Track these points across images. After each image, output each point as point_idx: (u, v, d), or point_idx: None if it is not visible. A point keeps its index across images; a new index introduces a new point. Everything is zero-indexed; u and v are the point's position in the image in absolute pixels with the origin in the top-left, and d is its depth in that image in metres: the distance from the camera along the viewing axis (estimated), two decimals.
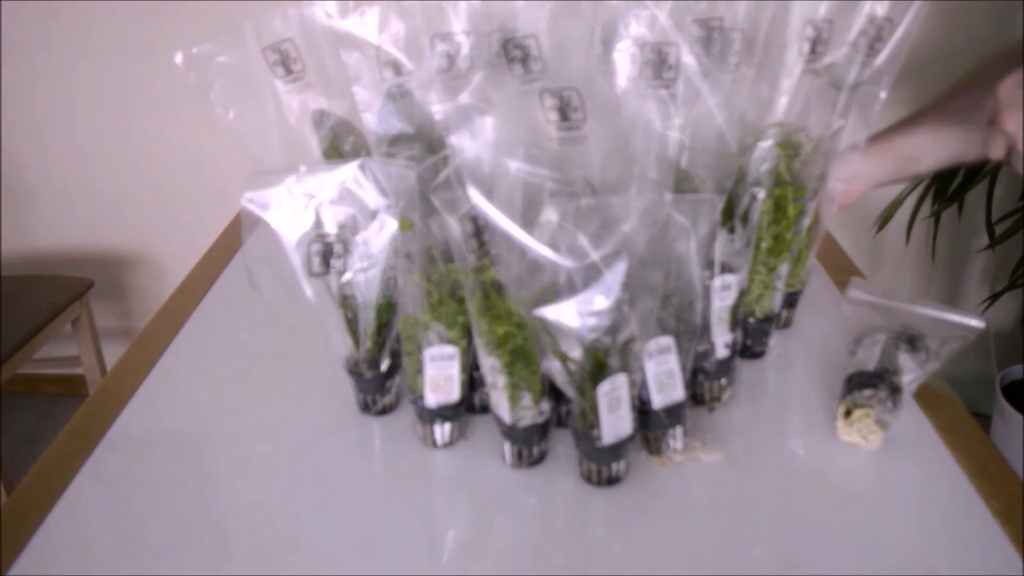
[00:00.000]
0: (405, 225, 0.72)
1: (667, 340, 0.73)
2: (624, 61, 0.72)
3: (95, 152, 2.11)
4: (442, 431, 0.79)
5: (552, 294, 0.64)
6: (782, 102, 0.80)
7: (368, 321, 0.78)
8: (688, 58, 0.70)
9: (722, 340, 0.81)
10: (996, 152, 0.67)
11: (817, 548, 0.67)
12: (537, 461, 0.76)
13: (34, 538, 0.70)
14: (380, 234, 0.73)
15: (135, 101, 2.04)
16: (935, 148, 0.86)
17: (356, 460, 0.80)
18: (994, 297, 1.89)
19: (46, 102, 2.05)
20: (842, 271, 1.11)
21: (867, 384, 0.78)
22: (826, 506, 0.71)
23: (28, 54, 1.99)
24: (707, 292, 0.77)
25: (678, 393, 0.74)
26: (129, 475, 0.78)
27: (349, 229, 0.73)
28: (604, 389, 0.68)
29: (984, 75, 0.78)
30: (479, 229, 0.66)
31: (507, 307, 0.68)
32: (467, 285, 0.68)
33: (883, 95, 0.79)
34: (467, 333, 0.75)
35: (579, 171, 0.69)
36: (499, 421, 0.74)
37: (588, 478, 0.74)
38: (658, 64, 0.71)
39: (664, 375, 0.74)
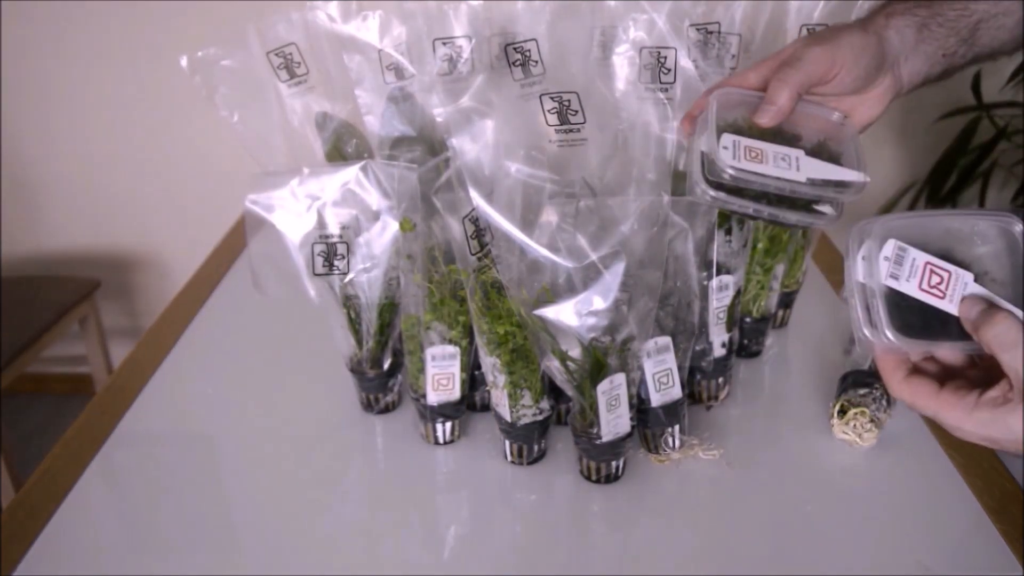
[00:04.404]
0: (407, 226, 0.73)
1: (665, 340, 0.74)
2: (623, 65, 0.73)
3: (102, 154, 2.12)
4: (443, 429, 0.80)
5: (552, 294, 0.65)
6: None
7: (370, 321, 0.79)
8: (686, 61, 0.71)
9: (719, 339, 0.82)
10: None
11: (812, 544, 0.68)
12: (537, 458, 0.77)
13: (42, 534, 0.71)
14: (382, 235, 0.74)
15: (141, 103, 2.05)
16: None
17: (359, 457, 0.81)
18: None
19: (53, 104, 2.06)
20: (837, 271, 1.11)
21: (862, 383, 0.79)
22: (821, 503, 0.72)
23: (36, 56, 2.00)
24: (704, 292, 0.78)
25: (676, 392, 0.75)
26: (135, 472, 0.79)
27: (352, 230, 0.74)
28: (603, 388, 0.68)
29: None
30: (480, 230, 0.67)
31: (507, 307, 0.69)
32: (468, 285, 0.69)
33: None
34: (468, 332, 0.76)
35: (578, 173, 0.70)
36: (500, 419, 0.75)
37: (587, 475, 0.75)
38: (656, 67, 0.72)
39: (662, 374, 0.74)
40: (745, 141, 0.61)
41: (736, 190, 0.61)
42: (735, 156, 0.60)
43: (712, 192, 0.60)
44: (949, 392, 0.51)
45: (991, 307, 0.50)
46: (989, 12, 0.64)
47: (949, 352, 0.53)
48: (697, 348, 0.80)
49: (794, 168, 0.60)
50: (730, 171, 0.59)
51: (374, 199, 0.73)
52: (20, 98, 2.05)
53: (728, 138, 0.61)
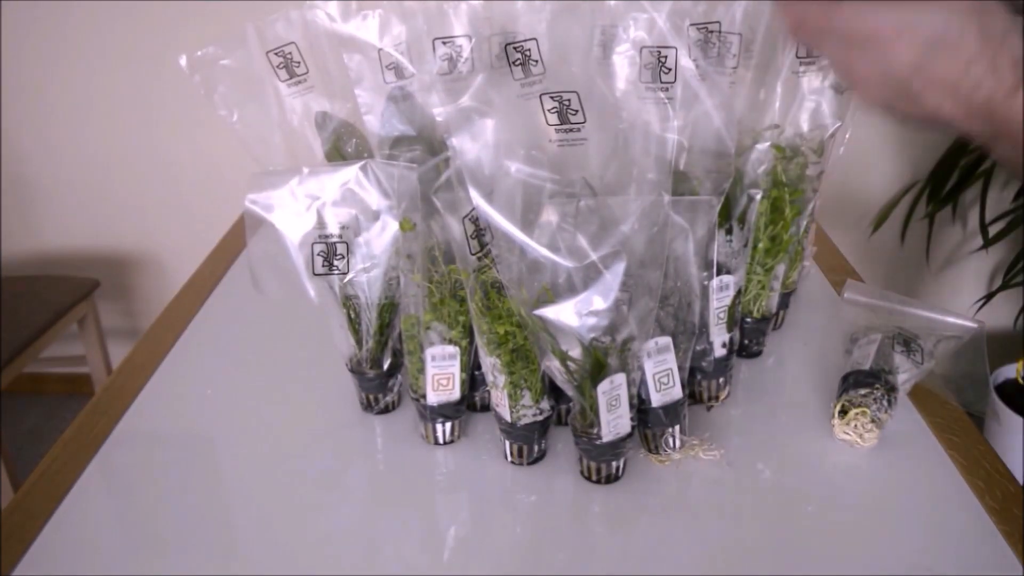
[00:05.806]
0: (407, 226, 0.72)
1: (665, 340, 0.74)
2: (623, 64, 0.73)
3: (101, 154, 2.12)
4: (443, 429, 0.80)
5: (552, 294, 0.65)
6: (779, 105, 0.80)
7: (370, 321, 0.79)
8: (686, 61, 0.71)
9: (720, 340, 0.82)
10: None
11: (813, 545, 0.68)
12: (537, 459, 0.77)
13: (40, 535, 0.71)
14: (382, 235, 0.74)
15: (141, 103, 2.05)
16: None
17: (358, 458, 0.80)
18: (988, 297, 1.90)
19: (53, 104, 2.06)
20: (837, 272, 1.11)
21: (863, 383, 0.79)
22: (822, 503, 0.72)
23: (36, 55, 2.00)
24: (705, 292, 0.78)
25: (676, 392, 0.75)
26: (134, 473, 0.79)
27: (351, 230, 0.74)
28: (603, 388, 0.68)
29: None
30: (480, 230, 0.67)
31: (507, 307, 0.69)
32: (468, 285, 0.69)
33: None
34: (468, 333, 0.76)
35: (578, 173, 0.70)
36: (500, 419, 0.75)
37: (587, 475, 0.75)
38: (657, 67, 0.72)
39: (663, 374, 0.74)
40: None
41: None
42: None
43: None
44: None
45: None
46: None
47: None
48: (698, 348, 0.80)
49: None
50: None
51: (374, 199, 0.73)
52: (19, 98, 2.05)
53: None
